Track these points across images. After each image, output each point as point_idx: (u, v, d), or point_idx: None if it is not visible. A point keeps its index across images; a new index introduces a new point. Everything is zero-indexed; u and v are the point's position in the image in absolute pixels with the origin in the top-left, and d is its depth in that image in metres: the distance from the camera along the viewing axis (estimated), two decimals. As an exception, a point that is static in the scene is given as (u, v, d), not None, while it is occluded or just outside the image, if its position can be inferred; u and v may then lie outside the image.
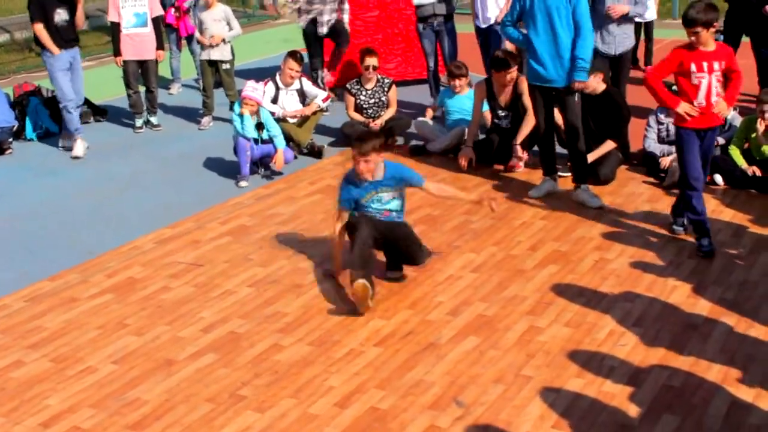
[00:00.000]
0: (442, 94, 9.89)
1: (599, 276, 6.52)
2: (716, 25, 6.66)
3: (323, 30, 11.24)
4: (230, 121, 10.03)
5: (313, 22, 11.26)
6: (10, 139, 10.47)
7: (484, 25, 10.41)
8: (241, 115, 8.80)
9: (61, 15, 9.87)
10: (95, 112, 11.72)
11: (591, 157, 8.22)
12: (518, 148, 8.75)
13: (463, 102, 9.50)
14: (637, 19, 9.61)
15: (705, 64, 6.66)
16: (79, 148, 10.07)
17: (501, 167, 8.91)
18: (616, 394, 5.03)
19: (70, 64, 10.02)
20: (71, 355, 5.75)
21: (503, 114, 9.01)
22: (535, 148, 8.62)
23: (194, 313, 6.22)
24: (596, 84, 8.40)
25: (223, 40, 10.84)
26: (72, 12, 9.96)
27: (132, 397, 5.24)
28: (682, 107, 6.69)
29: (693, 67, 6.66)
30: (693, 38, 6.61)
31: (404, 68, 12.46)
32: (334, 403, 5.08)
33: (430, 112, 10.05)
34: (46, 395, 5.30)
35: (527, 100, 8.61)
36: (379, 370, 5.40)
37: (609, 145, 8.40)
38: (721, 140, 8.35)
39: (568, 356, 5.46)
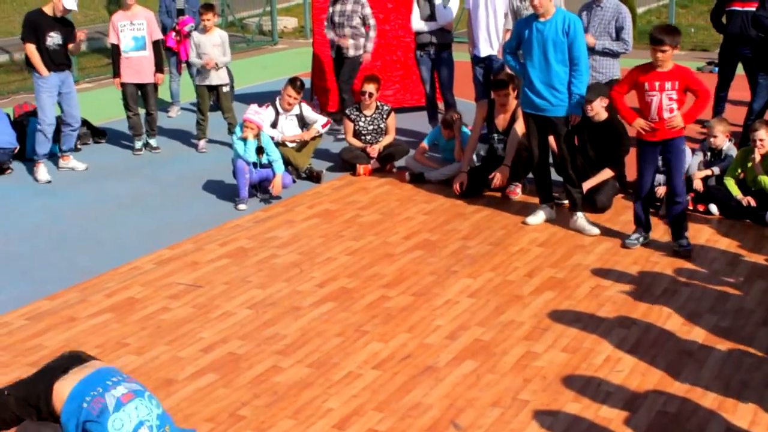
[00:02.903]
0: (434, 132, 9.93)
1: (596, 302, 6.58)
2: (678, 48, 7.25)
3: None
4: (229, 144, 10.12)
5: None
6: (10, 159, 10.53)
7: (482, 54, 10.46)
8: (243, 139, 8.86)
9: (53, 38, 9.93)
10: (94, 133, 11.78)
11: (588, 185, 8.33)
12: (499, 174, 8.79)
13: (454, 145, 9.58)
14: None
15: (657, 84, 7.16)
16: (42, 172, 10.10)
17: (498, 194, 8.96)
18: (612, 419, 5.07)
19: (58, 87, 10.08)
20: (71, 373, 5.76)
21: (500, 138, 9.08)
22: (531, 176, 8.70)
23: (194, 334, 6.25)
24: (600, 108, 8.50)
25: (216, 65, 10.91)
26: (65, 37, 10.02)
27: (132, 415, 5.26)
28: (637, 123, 7.32)
29: (646, 86, 7.21)
30: (660, 55, 7.10)
31: (402, 95, 12.56)
32: (333, 424, 5.11)
33: (423, 149, 9.96)
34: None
35: (519, 126, 8.71)
36: (377, 392, 5.44)
37: (606, 173, 8.48)
38: (716, 170, 8.46)
39: (564, 381, 5.51)
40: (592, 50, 9.23)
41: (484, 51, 10.35)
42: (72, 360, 4.40)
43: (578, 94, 7.77)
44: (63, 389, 4.18)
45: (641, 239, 7.60)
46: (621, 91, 7.46)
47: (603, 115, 8.58)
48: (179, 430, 4.29)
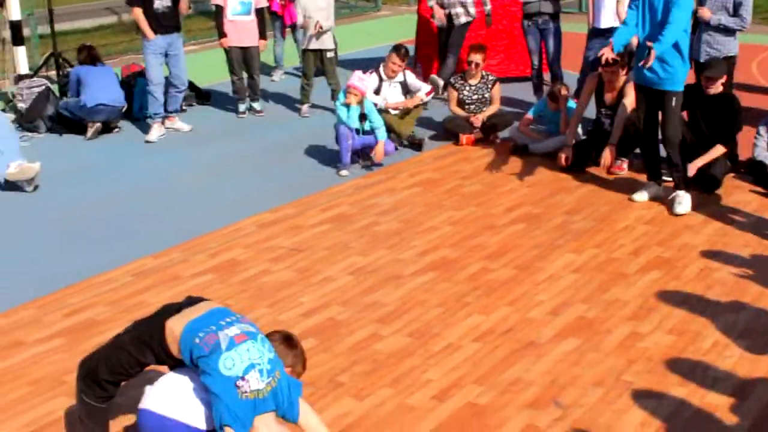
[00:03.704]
0: (540, 104, 9.78)
1: (704, 284, 6.39)
2: None
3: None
4: (332, 109, 10.13)
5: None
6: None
7: (603, 26, 10.20)
8: (346, 105, 8.85)
9: (162, 1, 10.05)
10: (199, 96, 11.91)
11: (699, 162, 8.08)
12: (608, 153, 8.56)
13: (559, 118, 9.43)
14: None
15: None
16: (154, 133, 10.28)
17: (605, 169, 8.76)
18: (719, 406, 4.92)
19: (165, 49, 10.20)
20: (174, 331, 5.83)
21: (607, 113, 8.89)
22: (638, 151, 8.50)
23: (295, 298, 6.27)
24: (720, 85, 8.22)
25: (320, 27, 10.85)
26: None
27: (233, 376, 5.30)
28: None
29: None
30: None
31: (507, 65, 12.37)
32: (432, 395, 5.07)
33: (527, 120, 9.81)
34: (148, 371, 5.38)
35: (627, 102, 8.50)
36: (477, 365, 5.38)
37: (718, 150, 8.20)
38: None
39: (670, 364, 5.36)
40: (707, 25, 8.96)
41: (606, 23, 10.07)
42: (188, 301, 4.44)
43: (657, 44, 7.30)
44: (175, 327, 4.19)
45: None
46: None
47: (718, 89, 8.30)
48: (289, 377, 4.26)
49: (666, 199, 7.91)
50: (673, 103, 7.65)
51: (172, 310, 4.36)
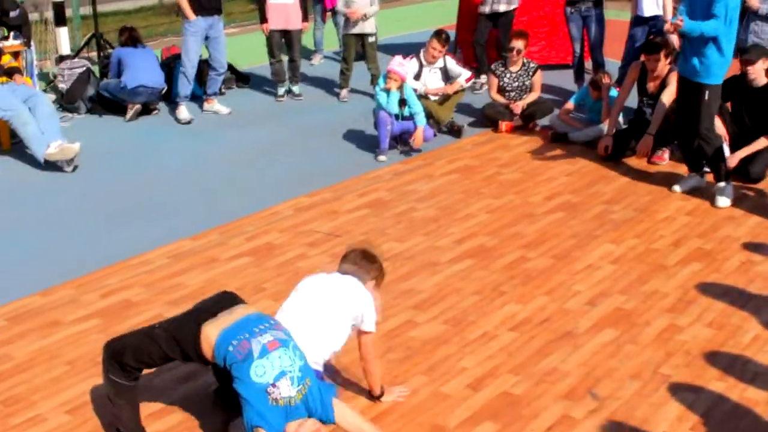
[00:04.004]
0: (581, 92, 9.68)
1: (745, 278, 6.30)
2: None
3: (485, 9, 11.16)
4: (371, 94, 10.09)
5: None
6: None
7: (647, 15, 10.06)
8: (386, 90, 8.80)
9: None
10: (238, 78, 11.92)
11: (741, 153, 7.95)
12: (644, 142, 8.47)
13: (600, 106, 9.33)
14: None
15: None
16: (183, 113, 10.30)
17: (645, 158, 8.66)
18: (759, 401, 4.84)
19: (206, 31, 10.20)
20: (210, 314, 5.83)
21: (649, 102, 8.78)
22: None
23: (330, 283, 6.24)
24: (761, 72, 8.05)
25: (365, 15, 10.83)
26: None
27: (267, 360, 5.29)
28: None
29: None
30: None
31: (548, 52, 12.26)
32: (467, 384, 5.04)
33: (568, 108, 9.71)
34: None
35: (667, 93, 8.39)
36: (513, 355, 5.33)
37: (762, 143, 8.07)
38: None
39: (709, 357, 5.29)
40: (755, 14, 8.83)
41: (649, 11, 9.93)
42: (224, 303, 4.44)
43: (690, 24, 7.23)
44: (210, 333, 4.20)
45: None
46: None
47: (762, 80, 8.16)
48: (320, 383, 4.26)
49: (707, 191, 7.80)
50: (707, 97, 7.49)
51: (207, 313, 4.36)
